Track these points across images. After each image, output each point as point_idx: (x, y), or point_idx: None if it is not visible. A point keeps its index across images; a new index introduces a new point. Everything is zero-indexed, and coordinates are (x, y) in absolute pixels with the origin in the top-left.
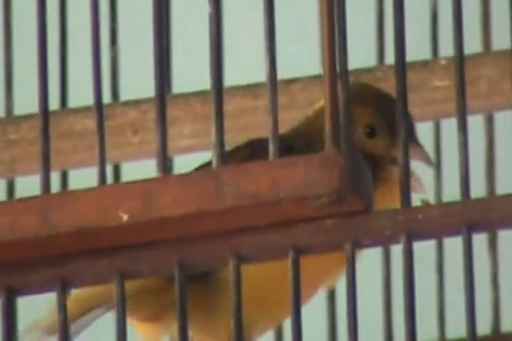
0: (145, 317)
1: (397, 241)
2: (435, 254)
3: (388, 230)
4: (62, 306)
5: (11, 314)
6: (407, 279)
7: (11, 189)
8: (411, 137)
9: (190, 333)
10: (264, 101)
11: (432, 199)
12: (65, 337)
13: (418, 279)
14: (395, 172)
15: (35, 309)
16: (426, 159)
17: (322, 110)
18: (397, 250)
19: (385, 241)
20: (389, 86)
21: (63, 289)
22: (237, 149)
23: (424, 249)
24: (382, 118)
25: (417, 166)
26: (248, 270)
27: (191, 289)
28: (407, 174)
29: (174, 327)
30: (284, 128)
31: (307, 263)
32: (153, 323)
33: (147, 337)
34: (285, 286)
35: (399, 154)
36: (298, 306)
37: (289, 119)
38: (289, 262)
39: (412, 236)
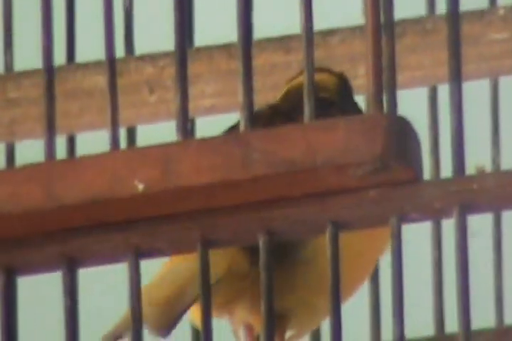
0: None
1: (449, 215)
2: (492, 229)
3: (439, 202)
4: (69, 288)
5: (11, 295)
6: (460, 257)
7: (10, 155)
8: None
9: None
10: (298, 56)
11: (488, 166)
12: (74, 326)
13: (473, 257)
14: None
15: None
16: None
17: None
18: (449, 224)
19: (435, 215)
20: (440, 39)
21: (70, 268)
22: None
23: (479, 223)
24: None
25: (472, 130)
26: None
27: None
28: (460, 139)
29: (238, 318)
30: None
31: (363, 238)
32: (218, 312)
33: None
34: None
35: (450, 119)
36: (337, 288)
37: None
38: (327, 238)
39: (466, 208)
